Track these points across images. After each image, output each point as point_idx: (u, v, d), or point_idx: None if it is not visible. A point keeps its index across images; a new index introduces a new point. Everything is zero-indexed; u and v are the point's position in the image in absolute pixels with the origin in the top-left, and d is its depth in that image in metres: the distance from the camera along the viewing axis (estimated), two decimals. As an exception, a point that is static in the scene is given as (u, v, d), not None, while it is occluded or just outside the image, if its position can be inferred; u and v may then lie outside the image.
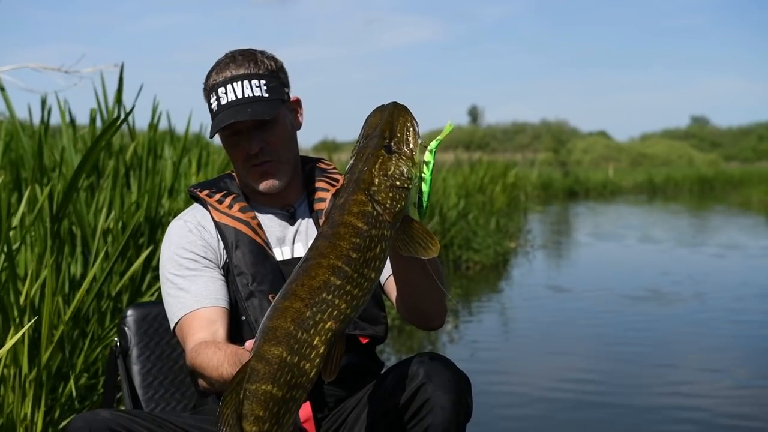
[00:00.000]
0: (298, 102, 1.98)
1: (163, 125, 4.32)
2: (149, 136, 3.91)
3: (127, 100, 3.85)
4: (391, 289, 1.89)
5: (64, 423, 2.69)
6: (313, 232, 1.92)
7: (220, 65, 1.90)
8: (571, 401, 4.32)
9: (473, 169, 14.94)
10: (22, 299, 2.60)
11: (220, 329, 1.82)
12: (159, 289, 3.23)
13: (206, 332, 1.80)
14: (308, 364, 1.40)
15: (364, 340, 1.89)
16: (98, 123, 3.91)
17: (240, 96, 1.84)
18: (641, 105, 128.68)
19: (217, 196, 1.92)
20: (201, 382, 1.80)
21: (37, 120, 4.19)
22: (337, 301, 1.42)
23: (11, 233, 2.85)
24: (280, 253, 1.92)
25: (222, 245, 1.89)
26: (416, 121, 1.54)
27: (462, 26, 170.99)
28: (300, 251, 1.92)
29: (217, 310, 1.83)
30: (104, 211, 3.29)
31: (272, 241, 1.92)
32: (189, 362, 1.80)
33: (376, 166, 1.49)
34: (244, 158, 1.89)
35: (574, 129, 56.35)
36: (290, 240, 1.93)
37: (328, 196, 1.94)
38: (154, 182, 3.66)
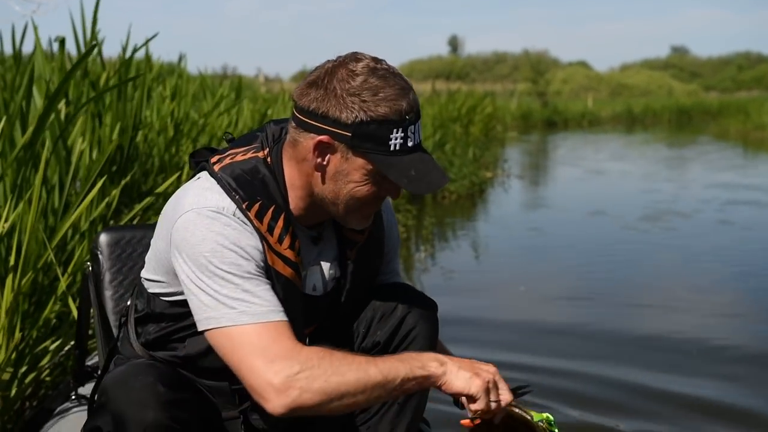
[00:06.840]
0: None
1: (139, 54, 4.28)
2: (122, 64, 3.90)
3: (102, 28, 3.86)
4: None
5: (38, 348, 2.76)
6: (329, 256, 1.78)
7: (397, 87, 1.57)
8: (546, 326, 4.41)
9: (451, 99, 14.92)
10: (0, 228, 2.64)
11: None
12: (135, 215, 3.31)
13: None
14: None
15: None
16: (73, 51, 3.90)
17: (420, 140, 1.62)
18: (621, 34, 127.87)
19: (267, 218, 1.62)
20: (336, 404, 1.48)
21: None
22: None
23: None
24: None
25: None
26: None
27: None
28: (313, 281, 1.76)
29: (290, 327, 1.55)
30: (80, 140, 3.31)
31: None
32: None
33: None
34: (373, 198, 1.64)
35: (555, 59, 56.12)
36: (309, 264, 1.76)
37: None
38: (127, 110, 3.68)
